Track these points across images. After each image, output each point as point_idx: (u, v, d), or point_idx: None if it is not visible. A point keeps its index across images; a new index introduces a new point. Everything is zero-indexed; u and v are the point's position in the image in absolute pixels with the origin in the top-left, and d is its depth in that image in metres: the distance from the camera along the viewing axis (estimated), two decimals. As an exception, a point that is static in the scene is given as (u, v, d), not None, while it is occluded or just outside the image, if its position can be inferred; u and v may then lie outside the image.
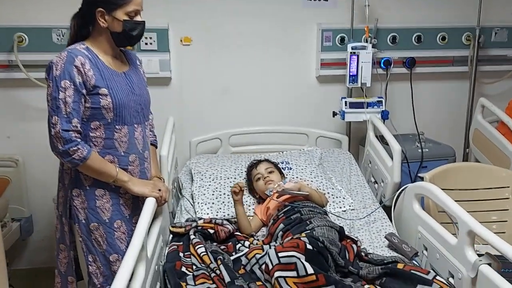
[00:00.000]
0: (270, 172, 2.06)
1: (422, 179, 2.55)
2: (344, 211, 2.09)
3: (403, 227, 2.00)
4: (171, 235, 1.87)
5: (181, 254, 1.71)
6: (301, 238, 1.57)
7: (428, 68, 2.82)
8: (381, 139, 2.57)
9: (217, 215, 2.02)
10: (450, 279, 1.60)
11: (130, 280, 1.23)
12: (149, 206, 1.56)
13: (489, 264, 1.42)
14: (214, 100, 2.71)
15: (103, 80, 1.51)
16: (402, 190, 2.00)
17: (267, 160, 2.15)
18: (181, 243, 1.79)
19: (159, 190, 1.65)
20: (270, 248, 1.62)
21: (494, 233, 1.98)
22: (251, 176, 2.10)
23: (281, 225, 1.78)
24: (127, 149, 1.59)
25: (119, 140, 1.57)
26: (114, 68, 1.59)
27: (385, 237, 1.81)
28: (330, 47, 2.68)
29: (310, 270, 1.45)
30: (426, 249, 1.79)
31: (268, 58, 2.71)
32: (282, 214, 1.83)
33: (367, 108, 2.53)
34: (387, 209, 2.08)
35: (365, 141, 2.56)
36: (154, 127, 1.88)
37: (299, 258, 1.47)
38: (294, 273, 1.44)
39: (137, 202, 1.65)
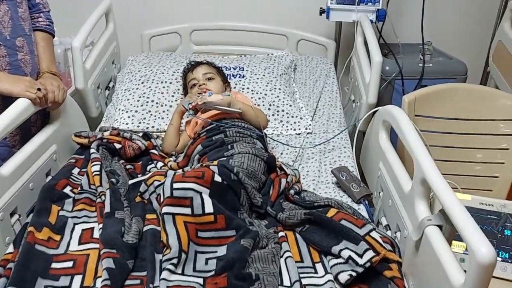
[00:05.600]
0: (209, 79, 1.65)
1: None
2: (299, 134, 1.68)
3: (368, 162, 1.60)
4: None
5: (75, 171, 1.41)
6: (210, 167, 1.22)
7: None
8: (382, 49, 2.05)
9: (138, 126, 1.67)
10: (397, 234, 1.23)
11: None
12: (14, 107, 1.24)
13: (440, 227, 1.03)
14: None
15: None
16: (373, 113, 1.56)
17: (208, 63, 1.72)
18: (83, 156, 1.48)
19: (39, 89, 1.30)
20: (170, 175, 1.29)
21: (482, 176, 1.59)
22: (186, 80, 1.70)
23: (199, 147, 1.42)
24: (-16, 35, 1.23)
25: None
26: None
27: (332, 172, 1.42)
28: None
29: (209, 208, 1.13)
30: (382, 191, 1.40)
31: None
32: (204, 133, 1.46)
33: (359, 4, 1.98)
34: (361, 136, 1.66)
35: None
36: (48, 7, 1.49)
37: (199, 192, 1.14)
38: (187, 210, 1.13)
39: (10, 102, 1.31)
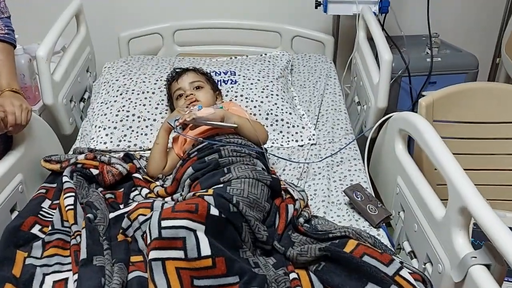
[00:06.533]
0: (197, 88, 1.45)
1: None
2: (301, 146, 1.49)
3: (381, 175, 1.42)
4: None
5: (46, 203, 1.21)
6: (205, 197, 1.02)
7: None
8: None
9: (118, 145, 1.45)
10: (428, 266, 1.06)
11: None
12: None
13: (487, 266, 0.85)
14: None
15: None
16: (385, 120, 1.37)
17: (195, 70, 1.51)
18: (55, 185, 1.27)
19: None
20: (160, 208, 1.09)
21: (508, 185, 1.43)
22: (170, 91, 1.49)
23: (190, 170, 1.21)
24: None
25: None
26: None
27: (344, 192, 1.24)
28: None
29: (205, 250, 0.94)
30: (403, 211, 1.23)
31: None
32: (195, 153, 1.25)
33: (359, -4, 1.79)
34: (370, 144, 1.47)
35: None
36: (7, 13, 1.27)
37: (193, 230, 0.94)
38: (180, 253, 0.93)
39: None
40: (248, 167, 1.15)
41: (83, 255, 1.00)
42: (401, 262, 0.97)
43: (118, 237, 1.10)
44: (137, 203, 1.17)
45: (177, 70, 1.50)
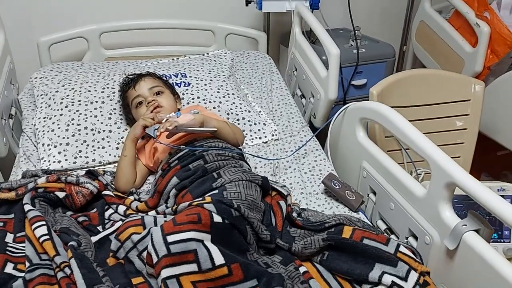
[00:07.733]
0: (157, 94, 1.38)
1: (355, 88, 2.07)
2: (265, 142, 1.51)
3: (340, 161, 1.50)
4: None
5: (9, 238, 1.06)
6: (204, 205, 0.99)
7: None
8: (309, 36, 1.96)
9: (74, 163, 1.32)
10: (411, 240, 1.16)
11: None
12: None
13: (477, 231, 0.98)
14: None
15: None
16: (342, 111, 1.46)
17: (151, 75, 1.43)
18: (12, 216, 1.12)
19: None
20: (154, 224, 1.03)
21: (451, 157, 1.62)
22: (127, 99, 1.39)
23: (174, 179, 1.16)
24: None
25: None
26: None
27: (323, 182, 1.30)
28: None
29: (218, 259, 0.92)
30: (374, 194, 1.33)
31: None
32: (176, 161, 1.20)
33: (291, -7, 1.86)
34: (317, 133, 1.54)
35: (289, 40, 1.94)
36: None
37: (201, 241, 0.91)
38: (193, 267, 0.90)
39: None
40: (238, 170, 1.14)
41: (81, 286, 0.90)
42: (399, 242, 1.05)
43: (109, 261, 1.02)
44: (120, 222, 1.09)
45: (130, 76, 1.40)
